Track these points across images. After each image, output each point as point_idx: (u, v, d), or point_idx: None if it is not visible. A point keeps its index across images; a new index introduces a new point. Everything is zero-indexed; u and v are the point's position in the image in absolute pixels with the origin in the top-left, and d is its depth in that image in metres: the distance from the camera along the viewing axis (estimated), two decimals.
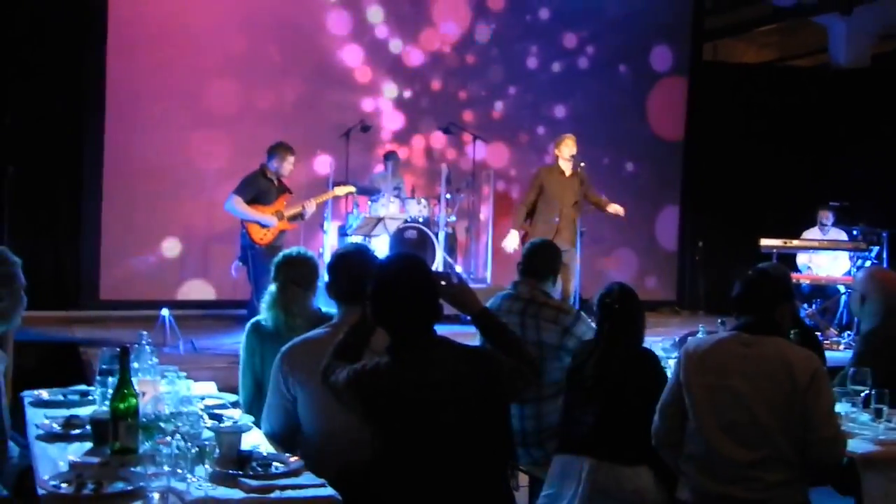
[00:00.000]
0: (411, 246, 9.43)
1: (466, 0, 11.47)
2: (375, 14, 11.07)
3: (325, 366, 3.28)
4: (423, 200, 10.00)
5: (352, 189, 9.34)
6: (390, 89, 11.20)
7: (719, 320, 5.83)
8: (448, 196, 10.02)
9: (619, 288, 4.28)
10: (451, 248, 10.17)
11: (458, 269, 10.11)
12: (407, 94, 11.28)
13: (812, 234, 10.64)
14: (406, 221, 9.66)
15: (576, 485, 3.98)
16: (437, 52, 11.38)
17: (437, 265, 9.42)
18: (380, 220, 9.50)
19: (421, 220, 9.80)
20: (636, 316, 4.25)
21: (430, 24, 11.35)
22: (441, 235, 9.73)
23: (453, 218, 10.28)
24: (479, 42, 11.50)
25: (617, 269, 11.82)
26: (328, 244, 9.57)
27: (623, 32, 11.97)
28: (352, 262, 3.92)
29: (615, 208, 9.43)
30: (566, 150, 9.09)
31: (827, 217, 10.59)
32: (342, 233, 9.84)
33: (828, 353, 5.92)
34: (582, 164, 9.05)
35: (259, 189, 8.29)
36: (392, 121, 11.24)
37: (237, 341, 7.50)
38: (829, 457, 3.57)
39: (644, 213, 11.74)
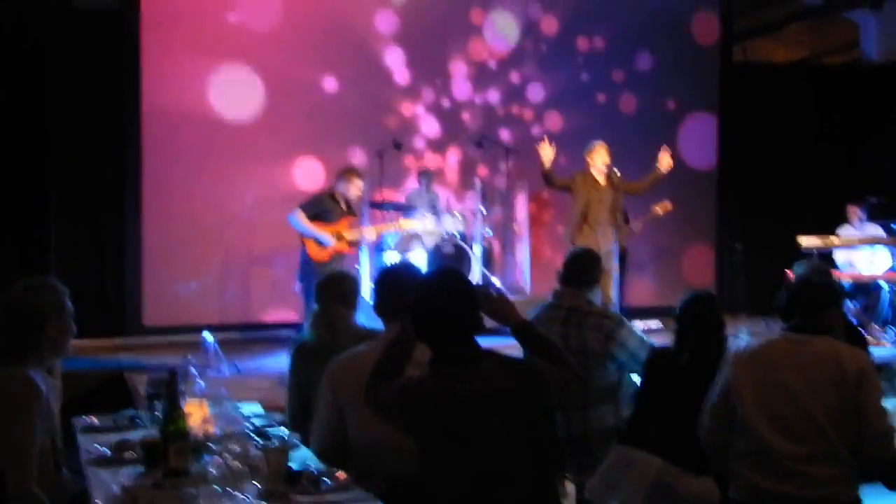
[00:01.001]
0: (449, 261, 9.43)
1: (519, 19, 11.49)
2: (424, 18, 11.10)
3: (368, 384, 3.27)
4: (458, 215, 10.02)
5: (417, 224, 9.41)
6: (429, 95, 11.25)
7: (763, 322, 5.79)
8: (483, 210, 10.02)
9: (704, 297, 4.29)
10: (488, 262, 10.17)
11: (496, 281, 10.11)
12: (445, 103, 11.31)
13: (847, 231, 10.55)
14: (442, 237, 9.69)
15: (637, 479, 3.95)
16: (482, 64, 11.42)
17: (475, 279, 9.43)
18: (416, 236, 9.54)
19: (457, 234, 9.82)
20: (720, 326, 4.24)
21: (479, 35, 11.40)
22: (478, 249, 9.73)
23: (489, 232, 10.28)
24: (526, 61, 11.55)
25: (656, 274, 11.83)
26: (365, 261, 9.62)
27: (655, 47, 12.02)
28: (398, 278, 3.92)
29: (665, 162, 9.13)
30: (598, 159, 8.94)
31: (856, 212, 10.49)
32: (379, 250, 9.87)
33: (872, 350, 5.86)
34: (618, 174, 8.99)
35: (323, 207, 8.41)
36: (428, 129, 11.27)
37: (279, 362, 7.60)
38: (882, 452, 3.56)
39: (681, 219, 11.65)
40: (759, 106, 12.41)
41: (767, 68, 13.57)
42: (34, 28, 9.73)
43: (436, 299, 3.22)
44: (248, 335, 10.07)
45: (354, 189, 8.52)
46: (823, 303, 3.76)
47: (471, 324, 3.21)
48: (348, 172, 8.55)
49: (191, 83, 10.24)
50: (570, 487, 4.87)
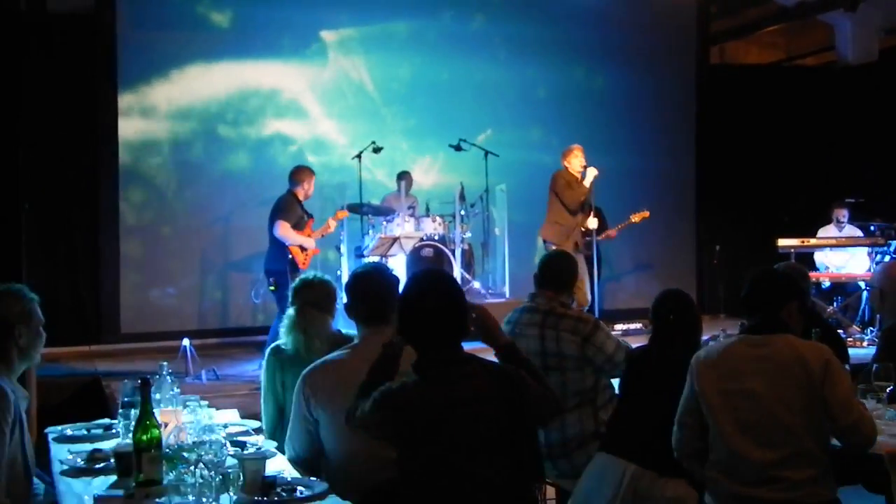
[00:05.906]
0: (428, 264, 9.40)
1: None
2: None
3: (351, 407, 3.24)
4: (437, 218, 9.99)
5: (346, 214, 9.44)
6: (401, 106, 11.28)
7: (741, 323, 5.77)
8: (462, 212, 10.00)
9: (676, 296, 4.23)
10: (467, 265, 10.15)
11: (476, 284, 10.09)
12: (419, 110, 11.31)
13: (828, 231, 10.62)
14: (422, 240, 9.65)
15: (615, 487, 3.93)
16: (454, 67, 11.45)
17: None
18: (395, 239, 9.49)
19: (436, 237, 9.78)
20: (693, 325, 4.19)
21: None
22: (457, 252, 9.70)
23: (469, 234, 10.25)
24: (493, 61, 11.60)
25: (637, 276, 11.86)
26: (344, 266, 9.58)
27: (632, 49, 12.07)
28: (371, 282, 3.88)
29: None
30: (576, 162, 9.08)
31: (842, 214, 10.57)
32: (358, 254, 9.83)
33: (852, 351, 5.87)
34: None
35: (298, 214, 8.43)
36: (404, 138, 11.27)
37: (258, 367, 7.56)
38: (856, 443, 3.54)
39: (660, 221, 11.67)
40: (736, 107, 12.45)
41: (743, 70, 13.61)
42: (8, 32, 9.63)
43: (423, 300, 3.20)
44: (226, 341, 10.02)
45: (313, 186, 8.56)
46: (779, 296, 3.70)
47: (457, 326, 3.20)
48: (305, 172, 8.55)
49: (166, 83, 10.22)
50: (550, 492, 4.86)
